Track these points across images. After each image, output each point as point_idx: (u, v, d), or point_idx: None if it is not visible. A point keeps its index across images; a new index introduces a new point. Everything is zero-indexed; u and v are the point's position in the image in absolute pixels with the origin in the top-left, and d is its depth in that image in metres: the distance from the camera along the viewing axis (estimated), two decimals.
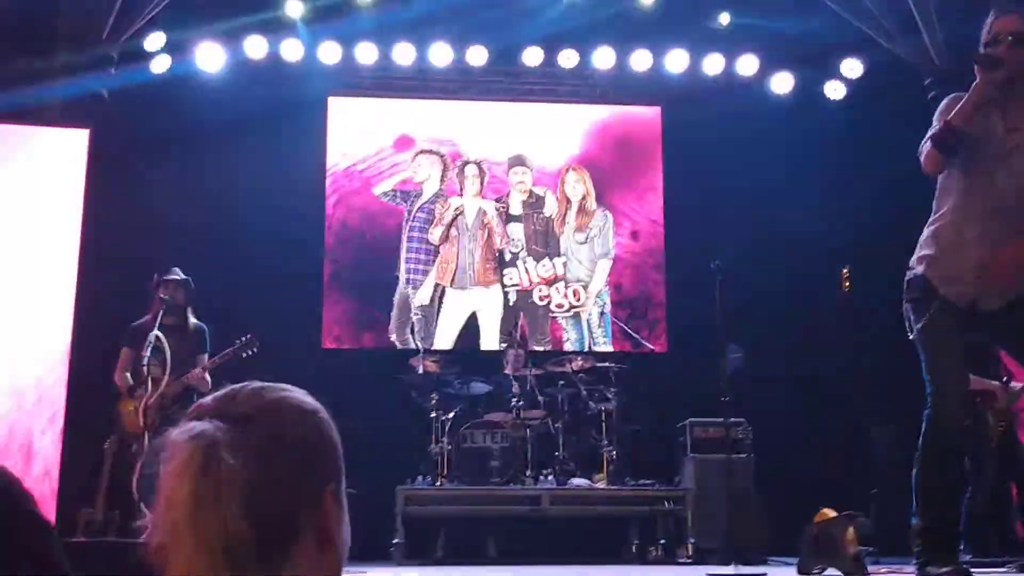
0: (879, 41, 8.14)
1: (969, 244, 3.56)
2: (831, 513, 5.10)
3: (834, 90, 8.96)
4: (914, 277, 3.69)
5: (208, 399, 1.13)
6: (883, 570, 4.97)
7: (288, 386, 1.17)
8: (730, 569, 5.42)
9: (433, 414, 7.19)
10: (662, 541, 7.18)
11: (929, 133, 3.59)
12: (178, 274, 6.20)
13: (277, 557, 1.06)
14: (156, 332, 5.90)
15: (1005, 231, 3.54)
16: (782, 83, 8.96)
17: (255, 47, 8.42)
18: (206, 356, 6.12)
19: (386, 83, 9.02)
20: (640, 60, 8.87)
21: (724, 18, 8.61)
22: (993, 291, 3.57)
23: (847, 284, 8.21)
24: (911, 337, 3.68)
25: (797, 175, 8.52)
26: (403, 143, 9.09)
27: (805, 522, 5.03)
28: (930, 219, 3.73)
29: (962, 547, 5.48)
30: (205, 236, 7.92)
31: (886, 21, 8.02)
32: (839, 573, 4.66)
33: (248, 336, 6.10)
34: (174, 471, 1.04)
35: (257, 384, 1.15)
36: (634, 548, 7.31)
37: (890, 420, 7.52)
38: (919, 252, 3.72)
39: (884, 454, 7.79)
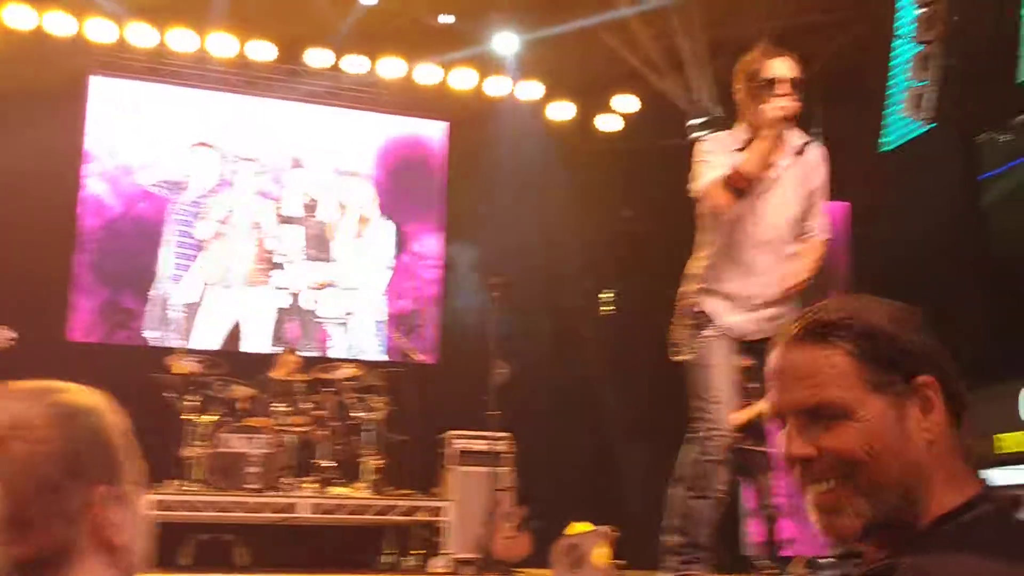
0: (650, 79, 8.57)
1: (740, 276, 3.79)
2: (582, 526, 5.28)
3: (608, 122, 9.37)
4: (689, 305, 3.87)
5: None
6: None
7: (52, 385, 1.10)
8: None
9: (189, 416, 6.87)
10: (418, 551, 7.20)
11: (713, 175, 3.73)
12: None
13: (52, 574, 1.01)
14: None
15: (771, 261, 3.79)
16: (562, 111, 9.26)
17: (17, 16, 7.78)
18: None
19: (159, 68, 8.56)
20: (428, 74, 8.89)
21: (509, 44, 8.78)
22: (756, 321, 3.82)
23: (609, 306, 8.60)
24: (679, 359, 3.86)
25: (573, 199, 8.83)
26: (174, 133, 8.65)
27: (561, 535, 5.18)
28: (699, 249, 3.91)
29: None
30: None
31: (658, 59, 8.46)
32: None
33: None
34: None
35: (15, 390, 1.08)
36: (389, 558, 7.28)
37: (645, 437, 7.90)
38: (693, 281, 3.91)
39: (638, 470, 8.16)
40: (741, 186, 3.69)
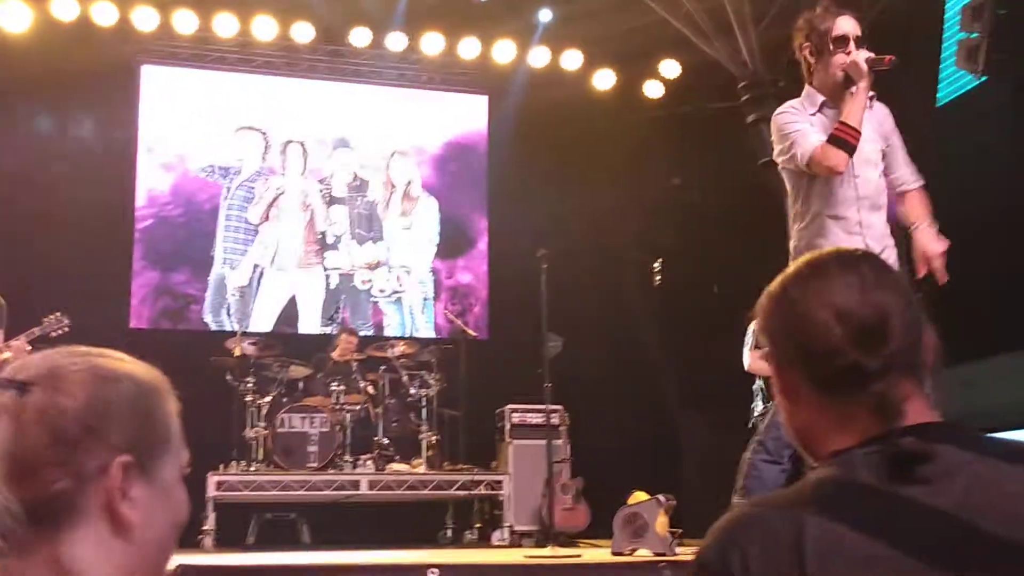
0: (696, 42, 8.44)
1: (852, 237, 3.67)
2: (643, 496, 5.29)
3: (652, 88, 9.26)
4: None
5: (10, 366, 1.07)
6: (690, 551, 5.19)
7: (108, 352, 1.11)
8: (546, 551, 5.53)
9: (249, 398, 6.99)
10: (478, 525, 7.27)
11: (816, 139, 3.60)
12: None
13: (48, 534, 1.00)
14: None
15: (875, 216, 3.72)
16: (604, 79, 9.18)
17: (63, 7, 7.89)
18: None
19: (205, 55, 8.65)
20: (468, 48, 8.87)
21: (545, 15, 8.72)
22: None
23: (659, 276, 8.54)
24: None
25: (617, 169, 8.77)
26: (222, 118, 8.74)
27: (619, 505, 5.19)
28: (803, 213, 3.73)
29: None
30: (6, 203, 7.41)
31: (703, 23, 8.32)
32: (650, 553, 4.85)
33: (56, 314, 5.75)
34: None
35: (69, 350, 1.08)
36: (450, 532, 7.36)
37: (697, 406, 7.87)
38: (807, 251, 3.67)
39: (693, 439, 8.14)
40: (852, 139, 3.59)
